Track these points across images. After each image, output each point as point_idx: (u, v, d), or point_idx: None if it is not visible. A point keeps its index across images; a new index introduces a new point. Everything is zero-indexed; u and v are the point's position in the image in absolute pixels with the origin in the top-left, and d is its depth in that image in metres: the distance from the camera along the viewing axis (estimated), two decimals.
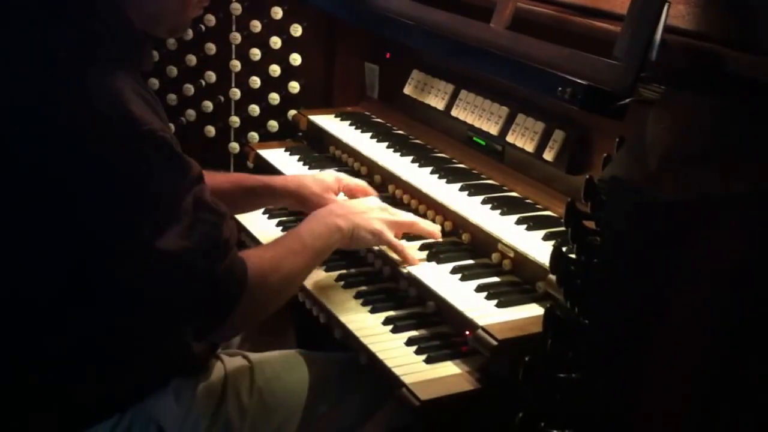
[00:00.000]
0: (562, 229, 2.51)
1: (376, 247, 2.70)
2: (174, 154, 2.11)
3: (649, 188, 1.69)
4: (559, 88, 2.31)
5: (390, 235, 2.62)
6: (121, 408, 2.30)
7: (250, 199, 2.93)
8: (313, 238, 2.50)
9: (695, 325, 1.79)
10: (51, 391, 2.22)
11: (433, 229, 2.71)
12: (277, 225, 3.02)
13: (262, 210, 3.10)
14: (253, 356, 2.61)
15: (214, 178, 2.84)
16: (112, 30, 2.13)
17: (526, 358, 1.95)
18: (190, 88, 3.68)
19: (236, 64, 3.64)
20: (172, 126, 3.66)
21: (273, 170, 3.29)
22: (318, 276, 2.66)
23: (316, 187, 2.86)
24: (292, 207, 2.99)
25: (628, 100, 2.21)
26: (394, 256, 2.64)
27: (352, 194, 2.94)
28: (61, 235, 2.09)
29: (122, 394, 2.30)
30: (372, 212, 2.65)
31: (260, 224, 3.04)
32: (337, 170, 3.11)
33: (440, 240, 2.71)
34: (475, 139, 3.07)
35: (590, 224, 1.98)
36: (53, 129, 2.03)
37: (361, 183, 2.96)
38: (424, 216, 2.85)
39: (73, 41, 2.08)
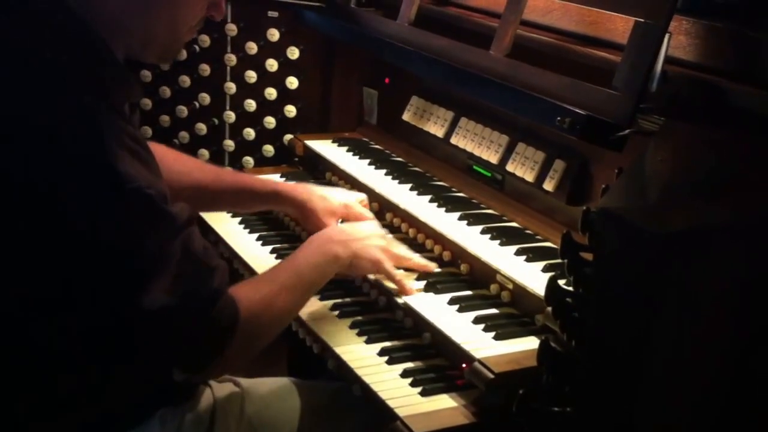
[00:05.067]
0: (558, 262, 2.51)
1: (372, 277, 2.67)
2: (159, 210, 2.03)
3: (641, 220, 1.68)
4: (558, 118, 2.28)
5: (389, 264, 2.59)
6: None
7: (256, 203, 2.93)
8: (309, 269, 2.46)
9: (689, 357, 1.76)
10: (39, 423, 2.17)
11: (426, 263, 2.67)
12: (272, 252, 2.99)
13: (257, 236, 3.06)
14: (244, 382, 2.57)
15: (222, 179, 2.82)
16: (91, 63, 2.02)
17: (521, 391, 1.93)
18: (183, 110, 3.65)
19: (231, 87, 3.61)
20: None
21: None
22: (312, 305, 2.62)
23: (320, 207, 2.83)
24: (293, 216, 2.99)
25: (627, 131, 2.18)
26: (391, 285, 2.60)
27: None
28: (42, 283, 2.01)
29: (109, 425, 2.25)
30: (371, 239, 2.62)
31: (254, 251, 3.00)
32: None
33: (438, 270, 2.68)
34: (476, 168, 3.04)
35: (588, 256, 1.94)
36: (31, 177, 1.92)
37: (369, 215, 2.92)
38: (422, 245, 2.82)
39: (49, 77, 1.96)
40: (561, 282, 1.97)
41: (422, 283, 2.61)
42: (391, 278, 2.59)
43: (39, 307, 2.03)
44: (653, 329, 1.71)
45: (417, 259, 2.67)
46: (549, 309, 2.07)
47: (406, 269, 2.67)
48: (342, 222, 2.86)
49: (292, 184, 3.02)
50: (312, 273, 2.47)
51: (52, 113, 1.92)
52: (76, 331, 2.06)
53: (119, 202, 1.96)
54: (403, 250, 2.68)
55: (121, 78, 2.11)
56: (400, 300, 2.55)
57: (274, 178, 3.37)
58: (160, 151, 2.20)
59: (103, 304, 2.03)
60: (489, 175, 2.99)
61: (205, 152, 3.66)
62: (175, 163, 2.74)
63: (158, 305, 2.02)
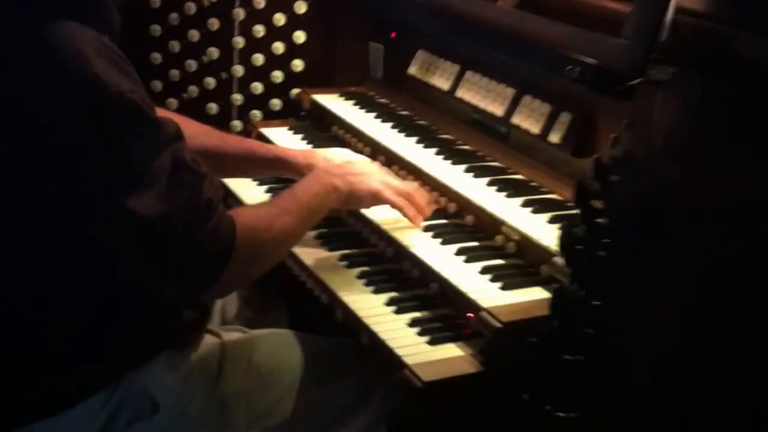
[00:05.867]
0: (568, 212, 2.52)
1: (378, 221, 2.68)
2: (144, 115, 2.05)
3: (661, 165, 1.68)
4: (567, 68, 2.28)
5: (388, 193, 2.59)
6: (114, 379, 2.27)
7: (260, 168, 2.92)
8: (308, 196, 2.47)
9: (712, 303, 1.77)
10: (42, 363, 2.20)
11: (425, 206, 2.66)
12: (267, 191, 3.02)
13: (265, 188, 3.08)
14: (249, 333, 2.59)
15: (227, 143, 2.82)
16: None
17: (532, 340, 1.94)
18: (192, 64, 3.64)
19: (239, 41, 3.59)
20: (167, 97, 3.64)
21: None
22: (320, 256, 2.64)
23: (323, 167, 2.82)
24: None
25: (637, 81, 2.17)
26: (398, 237, 2.61)
27: None
28: (34, 205, 2.05)
29: (114, 364, 2.27)
30: (371, 174, 2.63)
31: (250, 191, 3.04)
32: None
33: (444, 221, 2.68)
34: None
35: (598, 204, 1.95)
36: (14, 93, 1.97)
37: None
38: None
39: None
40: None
41: (429, 234, 2.62)
42: (394, 205, 2.60)
43: (35, 226, 2.07)
44: (669, 272, 1.71)
45: (417, 198, 2.65)
46: (556, 259, 2.09)
47: None
48: None
49: (295, 149, 3.03)
50: (311, 200, 2.47)
51: (28, 34, 1.97)
52: (76, 250, 2.09)
53: (103, 107, 1.98)
54: (405, 183, 2.67)
55: (105, 3, 2.14)
56: (409, 248, 2.56)
57: (281, 132, 3.38)
58: (166, 115, 2.21)
59: (98, 214, 2.05)
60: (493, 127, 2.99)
61: (213, 106, 3.66)
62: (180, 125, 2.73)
63: (153, 212, 2.04)
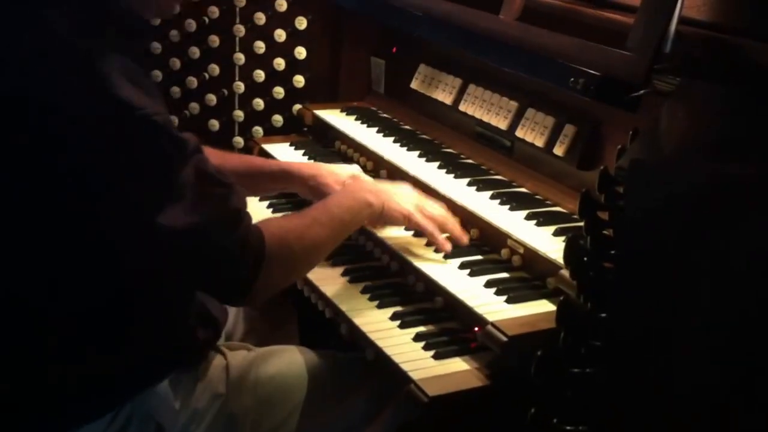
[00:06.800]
0: (573, 224, 2.51)
1: (383, 237, 2.67)
2: (169, 134, 2.05)
3: (672, 173, 1.66)
4: (572, 79, 2.27)
5: (420, 216, 2.58)
6: (121, 401, 2.25)
7: (264, 182, 2.90)
8: (341, 209, 2.49)
9: (723, 315, 1.75)
10: (48, 385, 2.17)
11: (460, 233, 2.63)
12: (268, 207, 3.03)
13: (267, 204, 3.06)
14: (256, 350, 2.58)
15: (228, 160, 2.81)
16: (102, 13, 2.06)
17: (539, 353, 1.92)
18: (193, 81, 3.64)
19: (240, 57, 3.59)
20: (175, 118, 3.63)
21: None
22: (324, 270, 2.63)
23: (330, 179, 2.82)
24: (304, 194, 2.93)
25: (642, 92, 2.16)
26: (402, 251, 2.60)
27: None
28: (65, 224, 2.03)
29: (123, 386, 2.25)
30: (404, 195, 2.63)
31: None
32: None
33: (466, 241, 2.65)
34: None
35: (604, 216, 1.94)
36: (43, 115, 1.96)
37: None
38: None
39: (64, 24, 2.00)
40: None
41: (433, 248, 2.61)
42: (425, 231, 2.58)
43: (65, 243, 2.05)
44: (685, 286, 1.69)
45: (452, 226, 2.63)
46: (562, 272, 2.07)
47: (417, 234, 2.66)
48: None
49: (299, 162, 3.01)
50: (344, 213, 2.49)
51: (57, 58, 1.97)
52: (104, 266, 2.08)
53: (129, 129, 1.99)
54: (439, 210, 2.65)
55: (132, 25, 2.14)
56: (413, 262, 2.55)
57: (283, 148, 3.37)
58: None
59: (130, 233, 2.05)
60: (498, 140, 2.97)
61: (215, 123, 3.65)
62: None
63: (183, 224, 2.04)
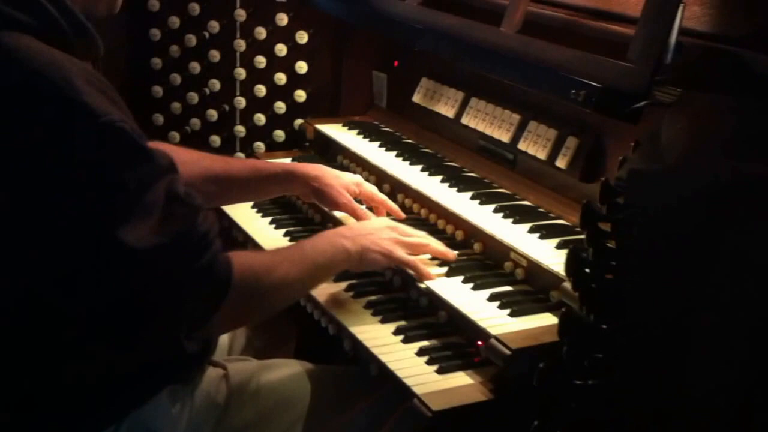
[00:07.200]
0: (576, 237, 2.50)
1: None
2: (135, 144, 1.98)
3: (672, 182, 1.65)
4: (573, 91, 2.27)
5: (401, 252, 2.55)
6: (116, 418, 2.22)
7: (269, 185, 2.88)
8: (315, 252, 2.44)
9: (725, 326, 1.74)
10: (41, 405, 2.14)
11: (445, 250, 2.62)
12: (285, 235, 2.99)
13: (270, 219, 3.05)
14: (256, 363, 2.57)
15: (231, 165, 2.80)
16: (54, 16, 2.01)
17: (542, 365, 1.91)
18: (194, 97, 3.64)
19: (241, 72, 3.60)
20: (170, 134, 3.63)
21: None
22: (327, 286, 2.61)
23: (335, 181, 2.82)
24: (306, 197, 2.94)
25: (643, 103, 2.16)
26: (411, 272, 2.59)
27: (370, 202, 2.90)
28: (27, 240, 1.98)
29: (116, 403, 2.21)
30: (381, 232, 2.58)
31: (267, 233, 3.01)
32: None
33: (456, 254, 2.64)
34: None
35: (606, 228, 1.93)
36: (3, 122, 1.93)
37: (380, 195, 2.91)
38: (435, 225, 2.81)
39: (23, 24, 1.97)
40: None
41: (436, 263, 2.60)
42: (407, 266, 2.56)
43: (25, 256, 2.00)
44: (693, 291, 1.68)
45: (434, 245, 2.63)
46: (565, 285, 2.06)
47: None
48: (356, 201, 2.86)
49: (303, 163, 3.00)
50: (317, 256, 2.44)
51: (20, 66, 1.93)
52: (66, 286, 2.01)
53: (94, 135, 1.93)
54: (417, 235, 2.63)
55: (85, 27, 2.08)
56: (421, 285, 2.53)
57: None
58: (164, 147, 2.17)
59: (90, 249, 1.97)
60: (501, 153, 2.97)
61: (216, 138, 3.66)
62: (181, 153, 2.65)
63: (146, 244, 1.96)
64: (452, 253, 2.63)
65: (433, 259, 2.62)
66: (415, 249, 2.61)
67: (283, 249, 2.49)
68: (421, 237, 2.64)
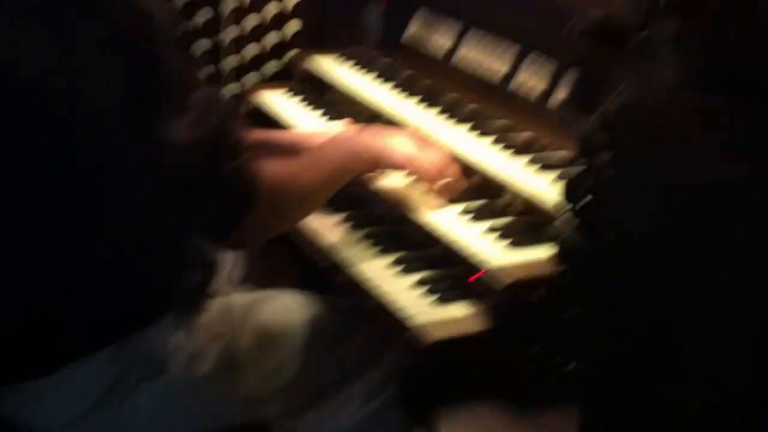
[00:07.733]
0: (575, 169, 2.49)
1: (387, 188, 2.64)
2: (183, 46, 2.11)
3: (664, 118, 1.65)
4: (571, 22, 2.25)
5: (423, 160, 2.52)
6: (116, 337, 2.23)
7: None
8: (339, 151, 2.46)
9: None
10: (39, 317, 2.17)
11: (459, 179, 2.58)
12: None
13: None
14: (257, 293, 2.57)
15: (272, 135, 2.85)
16: None
17: (540, 294, 1.92)
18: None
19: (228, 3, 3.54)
20: None
21: (272, 113, 3.25)
22: (324, 219, 2.61)
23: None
24: None
25: (642, 34, 2.14)
26: (401, 198, 2.57)
27: None
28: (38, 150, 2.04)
29: (116, 321, 2.23)
30: (405, 140, 2.56)
31: None
32: None
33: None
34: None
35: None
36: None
37: None
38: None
39: None
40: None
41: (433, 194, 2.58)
42: (425, 174, 2.53)
43: (39, 169, 2.05)
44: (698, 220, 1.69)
45: (453, 169, 2.57)
46: (564, 215, 2.06)
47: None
48: None
49: (307, 132, 2.99)
50: (343, 154, 2.45)
51: None
52: (78, 195, 2.08)
53: (146, 27, 2.00)
54: (438, 154, 2.58)
55: None
56: (416, 216, 2.52)
57: (277, 94, 3.36)
58: None
59: (127, 136, 2.04)
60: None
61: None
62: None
63: (185, 139, 2.03)
64: (464, 182, 2.60)
65: (428, 191, 2.60)
66: (435, 166, 2.56)
67: (306, 153, 2.49)
68: (442, 156, 2.59)
